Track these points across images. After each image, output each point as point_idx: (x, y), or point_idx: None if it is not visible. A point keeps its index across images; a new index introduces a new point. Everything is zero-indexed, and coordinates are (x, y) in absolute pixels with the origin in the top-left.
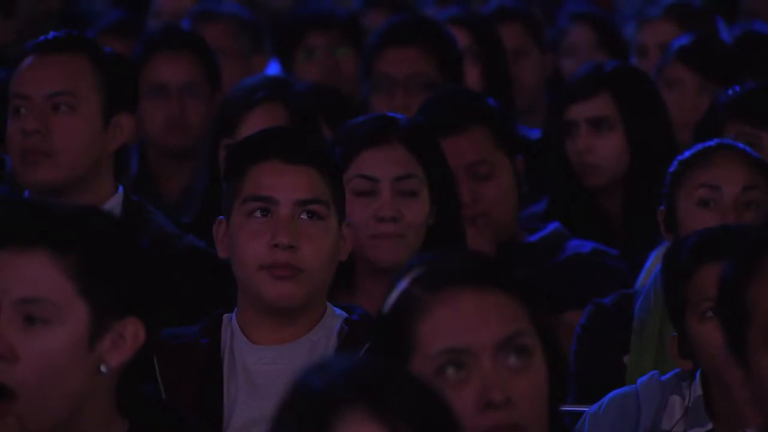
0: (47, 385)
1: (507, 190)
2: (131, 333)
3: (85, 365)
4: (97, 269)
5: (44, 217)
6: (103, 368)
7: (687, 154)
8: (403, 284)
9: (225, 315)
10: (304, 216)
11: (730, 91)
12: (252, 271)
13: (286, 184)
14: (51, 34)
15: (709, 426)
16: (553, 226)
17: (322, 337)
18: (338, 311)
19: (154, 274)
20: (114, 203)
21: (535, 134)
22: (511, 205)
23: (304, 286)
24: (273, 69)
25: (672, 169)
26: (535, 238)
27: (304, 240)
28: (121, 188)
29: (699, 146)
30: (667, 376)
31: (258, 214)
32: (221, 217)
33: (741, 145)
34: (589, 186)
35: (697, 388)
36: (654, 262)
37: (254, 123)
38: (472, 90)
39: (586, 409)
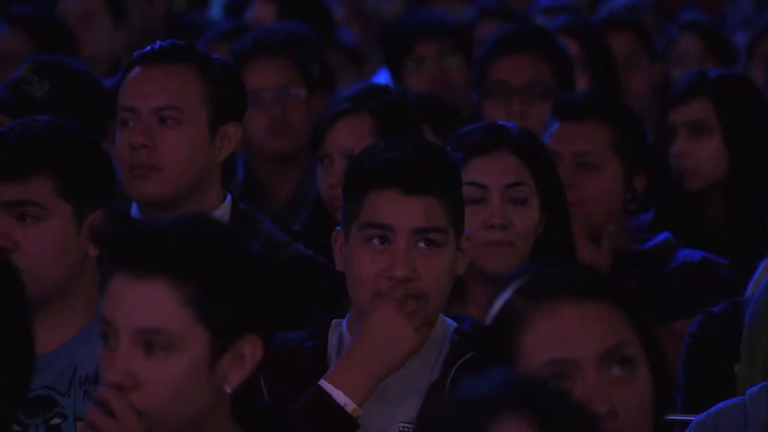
0: (171, 408)
1: (607, 193)
2: (250, 351)
3: (208, 386)
4: (215, 296)
5: (161, 244)
6: (227, 388)
7: None
8: (506, 295)
9: (334, 320)
10: (421, 244)
11: None
12: (368, 296)
13: (404, 213)
14: (157, 44)
15: None
16: (663, 236)
17: (432, 346)
18: (448, 320)
19: (269, 287)
20: (222, 212)
21: None
22: (607, 210)
23: (424, 314)
24: (382, 77)
25: None
26: (645, 247)
27: (422, 268)
28: (229, 197)
29: None
30: None
31: (376, 241)
32: (338, 228)
33: None
34: (688, 190)
35: None
36: (763, 271)
37: (339, 135)
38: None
39: (695, 418)
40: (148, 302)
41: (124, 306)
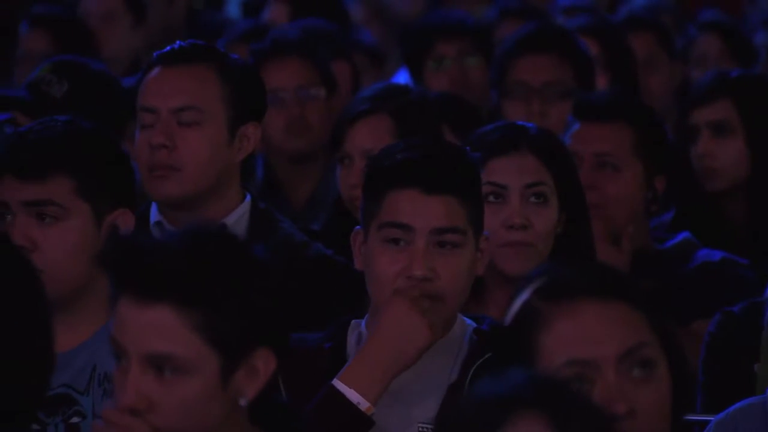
0: (184, 427)
1: (628, 195)
2: (262, 363)
3: (221, 403)
4: (223, 318)
5: (165, 270)
6: (242, 402)
7: None
8: (525, 295)
9: (353, 321)
10: (440, 244)
11: None
12: (386, 295)
13: (423, 213)
14: (177, 44)
15: None
16: (683, 236)
17: (450, 346)
18: (468, 321)
19: (279, 298)
20: (241, 212)
21: None
22: (628, 211)
23: (441, 313)
24: (402, 77)
25: None
26: (665, 247)
27: (440, 268)
28: (248, 196)
29: None
30: None
31: (394, 240)
32: (358, 227)
33: None
34: (710, 191)
35: None
36: None
37: (358, 135)
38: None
39: (714, 418)
40: (155, 328)
41: (132, 331)
